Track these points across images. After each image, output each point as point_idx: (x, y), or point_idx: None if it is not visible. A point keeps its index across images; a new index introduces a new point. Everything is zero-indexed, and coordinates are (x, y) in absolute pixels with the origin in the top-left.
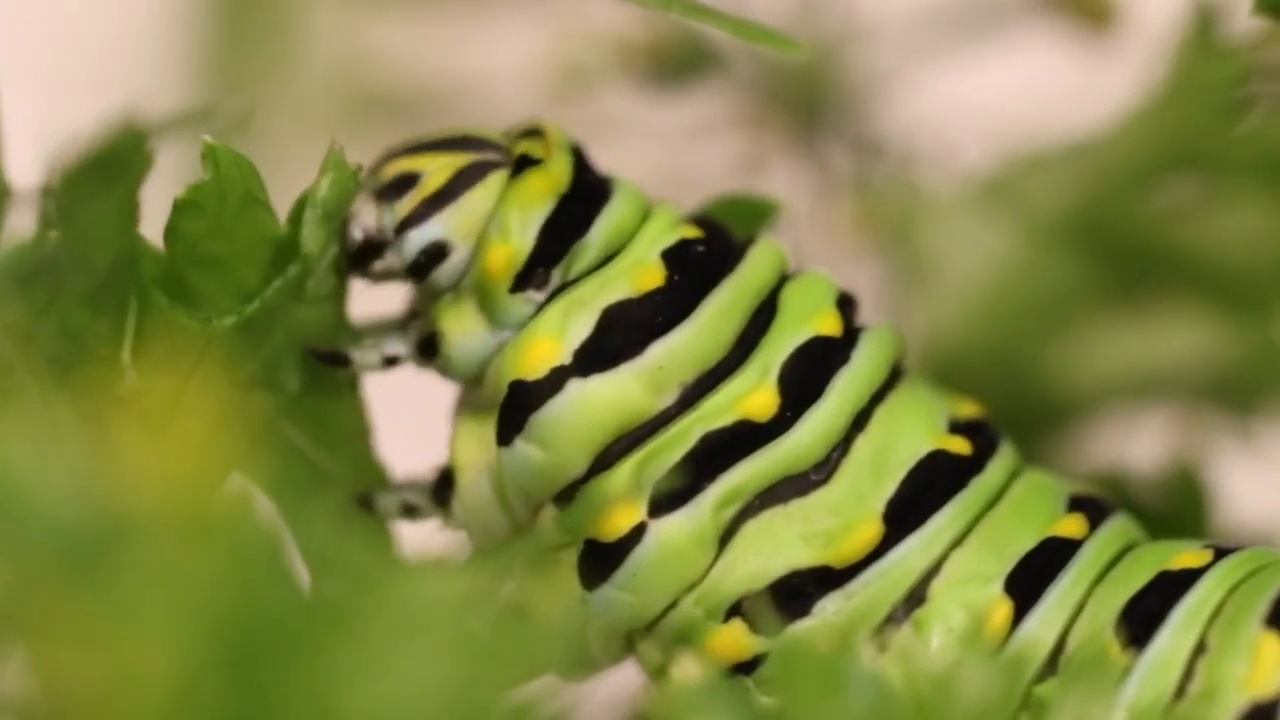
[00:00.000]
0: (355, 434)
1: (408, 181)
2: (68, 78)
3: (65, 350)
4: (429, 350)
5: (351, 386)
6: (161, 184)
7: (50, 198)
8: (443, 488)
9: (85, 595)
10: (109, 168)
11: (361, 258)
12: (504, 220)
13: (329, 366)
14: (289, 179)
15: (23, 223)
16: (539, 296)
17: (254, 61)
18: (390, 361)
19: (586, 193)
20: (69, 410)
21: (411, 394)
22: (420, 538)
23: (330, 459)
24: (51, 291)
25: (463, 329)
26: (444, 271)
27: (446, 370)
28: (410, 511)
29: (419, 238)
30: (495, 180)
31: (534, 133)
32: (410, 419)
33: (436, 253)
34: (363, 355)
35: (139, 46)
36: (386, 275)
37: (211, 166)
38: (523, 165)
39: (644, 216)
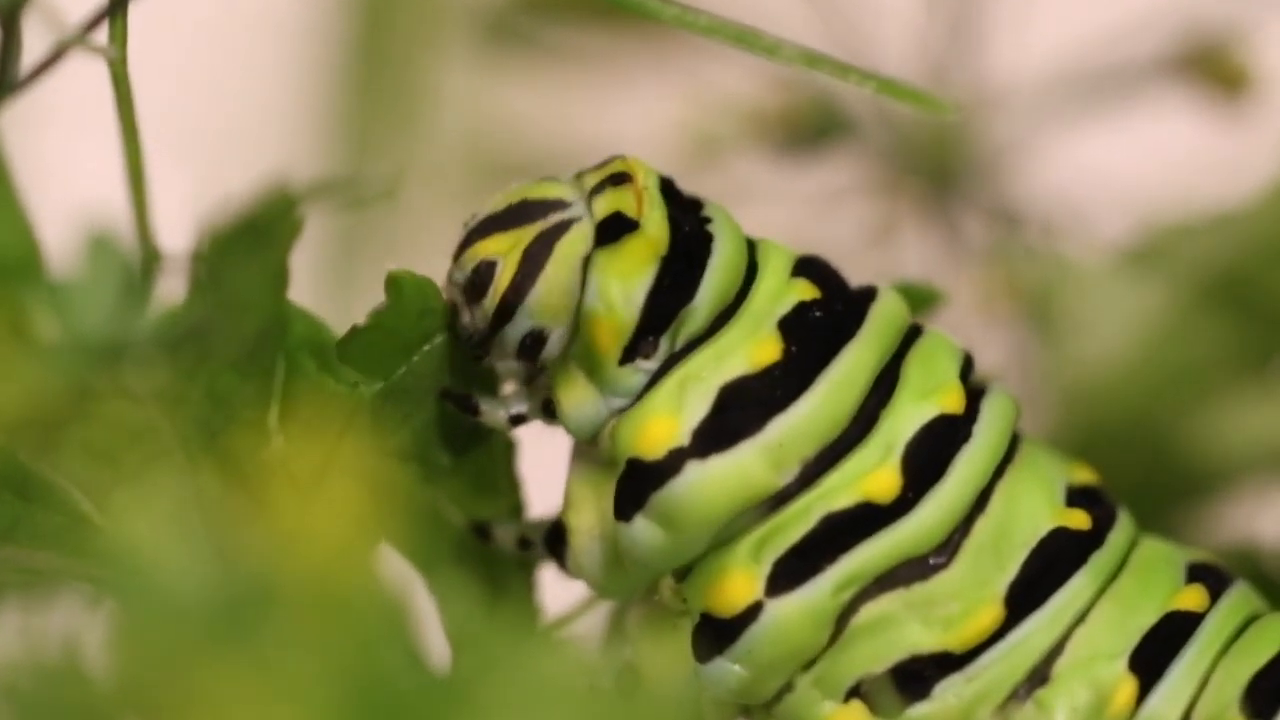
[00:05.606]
0: (508, 509)
1: (485, 273)
2: (215, 145)
3: (212, 414)
4: (550, 412)
5: (505, 459)
6: (307, 250)
7: (200, 263)
8: (556, 541)
9: (223, 664)
10: (258, 234)
11: (473, 354)
12: (605, 292)
13: (459, 410)
14: (423, 245)
15: (173, 287)
16: (649, 365)
17: (388, 129)
18: (516, 420)
19: (687, 248)
20: (215, 474)
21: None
22: (564, 596)
23: None
24: (200, 356)
25: (575, 399)
26: (550, 350)
27: (567, 429)
28: (525, 545)
29: (513, 334)
30: (565, 246)
31: (618, 177)
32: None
33: (535, 340)
34: (491, 409)
35: (280, 116)
36: (505, 363)
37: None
38: (616, 227)
39: (748, 257)
